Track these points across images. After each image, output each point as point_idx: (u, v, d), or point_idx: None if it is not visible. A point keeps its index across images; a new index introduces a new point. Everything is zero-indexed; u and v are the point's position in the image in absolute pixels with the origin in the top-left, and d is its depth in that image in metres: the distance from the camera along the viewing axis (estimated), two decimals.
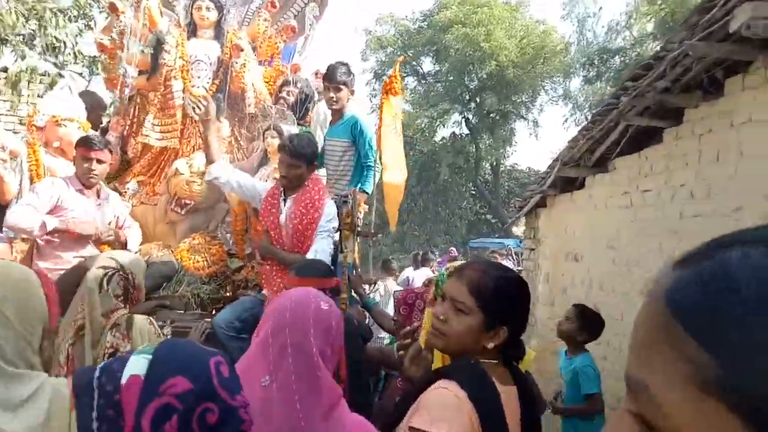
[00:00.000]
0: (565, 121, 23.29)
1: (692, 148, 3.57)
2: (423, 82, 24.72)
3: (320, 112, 4.63)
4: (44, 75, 8.79)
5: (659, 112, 3.90)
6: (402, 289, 5.58)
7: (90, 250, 3.50)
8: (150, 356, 1.07)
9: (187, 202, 4.09)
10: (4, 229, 3.52)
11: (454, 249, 13.53)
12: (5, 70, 8.55)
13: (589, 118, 4.91)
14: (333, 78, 3.97)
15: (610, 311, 3.90)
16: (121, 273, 2.42)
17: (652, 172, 3.98)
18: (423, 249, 11.31)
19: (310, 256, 3.26)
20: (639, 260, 3.98)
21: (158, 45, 4.18)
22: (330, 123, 4.30)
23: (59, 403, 1.15)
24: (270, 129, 4.10)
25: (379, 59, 24.26)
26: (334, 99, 4.01)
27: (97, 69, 9.12)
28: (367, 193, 4.08)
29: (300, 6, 4.72)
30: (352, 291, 3.59)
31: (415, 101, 23.87)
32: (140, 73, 4.32)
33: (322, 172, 4.17)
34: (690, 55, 3.19)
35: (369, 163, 4.06)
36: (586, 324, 3.48)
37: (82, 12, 8.82)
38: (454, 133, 24.49)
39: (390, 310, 4.18)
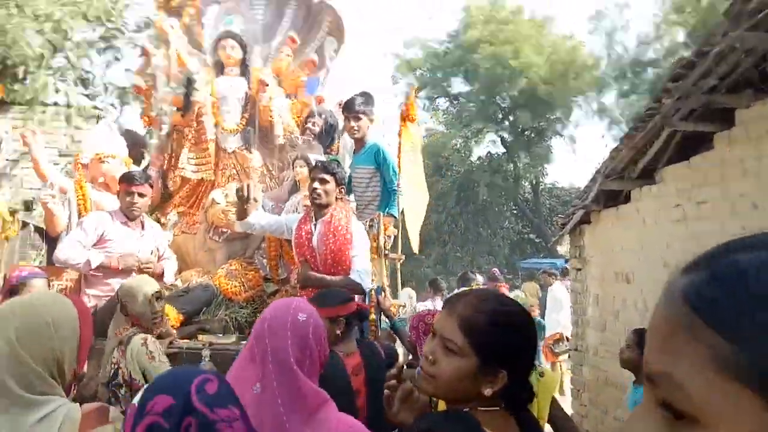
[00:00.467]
0: (603, 136, 23.06)
1: (749, 153, 3.22)
2: (455, 102, 24.78)
3: (347, 141, 4.81)
4: (80, 108, 9.08)
5: (707, 115, 3.57)
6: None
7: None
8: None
9: (224, 230, 4.31)
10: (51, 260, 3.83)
11: (496, 270, 13.41)
12: (56, 104, 9.01)
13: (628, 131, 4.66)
14: (351, 108, 4.18)
15: None
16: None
17: (706, 182, 3.67)
18: (468, 269, 11.40)
19: (353, 276, 3.38)
20: None
21: (189, 84, 4.47)
22: (353, 152, 4.49)
23: (69, 427, 1.31)
24: (298, 159, 4.27)
25: (409, 82, 24.51)
26: (355, 128, 4.21)
27: (128, 99, 9.50)
28: (394, 216, 4.21)
29: (320, 41, 4.98)
30: (382, 314, 3.65)
31: (448, 122, 23.91)
32: (177, 110, 4.62)
33: (350, 199, 4.34)
34: (737, 48, 2.87)
35: (394, 188, 4.19)
36: None
37: (109, 45, 9.19)
38: (489, 152, 24.37)
39: None
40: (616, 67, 22.11)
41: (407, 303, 12.46)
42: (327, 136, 4.73)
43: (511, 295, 8.37)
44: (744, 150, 3.29)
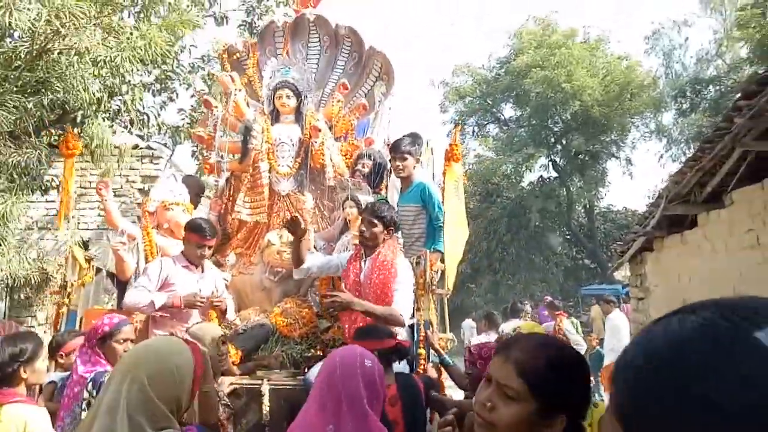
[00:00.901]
0: (661, 157, 22.45)
1: None
2: (505, 128, 24.70)
3: (395, 179, 4.92)
4: (135, 148, 9.57)
5: None
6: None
7: (196, 318, 3.99)
8: None
9: (279, 270, 4.48)
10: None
11: (549, 297, 13.13)
12: (136, 147, 9.44)
13: (687, 151, 4.44)
14: (398, 149, 4.33)
15: None
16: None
17: None
18: (518, 298, 11.23)
19: (394, 305, 3.48)
20: None
21: (247, 132, 4.71)
22: (400, 191, 4.62)
23: None
24: (348, 200, 4.43)
25: (458, 109, 24.63)
26: (401, 168, 4.35)
27: (180, 139, 9.87)
28: (441, 252, 4.28)
29: (369, 85, 5.19)
30: (431, 349, 3.72)
31: (498, 148, 23.84)
32: (234, 157, 4.87)
33: (398, 236, 4.47)
34: None
35: (440, 224, 4.30)
36: None
37: (163, 86, 9.55)
38: (541, 177, 24.12)
39: None
40: (675, 86, 21.60)
41: (467, 333, 12.34)
42: (375, 175, 4.86)
43: (567, 323, 8.21)
44: None
